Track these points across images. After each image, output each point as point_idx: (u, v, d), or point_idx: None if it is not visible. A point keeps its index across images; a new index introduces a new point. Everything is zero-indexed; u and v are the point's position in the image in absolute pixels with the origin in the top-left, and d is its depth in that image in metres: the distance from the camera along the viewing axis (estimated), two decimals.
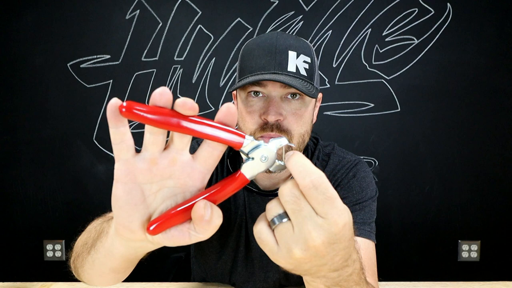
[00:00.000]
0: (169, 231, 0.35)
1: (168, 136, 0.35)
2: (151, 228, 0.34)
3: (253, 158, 0.36)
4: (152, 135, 0.33)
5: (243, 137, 0.35)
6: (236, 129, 0.35)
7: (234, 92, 0.86)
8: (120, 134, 0.33)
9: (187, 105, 0.32)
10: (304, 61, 0.75)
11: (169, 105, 0.32)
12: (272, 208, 0.36)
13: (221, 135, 0.34)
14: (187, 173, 0.36)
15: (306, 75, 0.74)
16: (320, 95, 0.85)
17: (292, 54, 0.74)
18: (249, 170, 0.36)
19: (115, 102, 0.32)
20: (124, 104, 0.31)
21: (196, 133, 0.33)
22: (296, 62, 0.74)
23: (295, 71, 0.73)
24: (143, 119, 0.31)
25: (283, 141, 0.36)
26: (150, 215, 0.36)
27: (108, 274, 0.51)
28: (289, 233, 0.35)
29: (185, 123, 0.33)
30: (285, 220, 0.35)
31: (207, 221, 0.33)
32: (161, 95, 0.32)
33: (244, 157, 0.36)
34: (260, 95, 0.76)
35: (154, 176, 0.35)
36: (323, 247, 0.34)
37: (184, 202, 0.35)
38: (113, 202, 0.35)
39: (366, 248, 0.77)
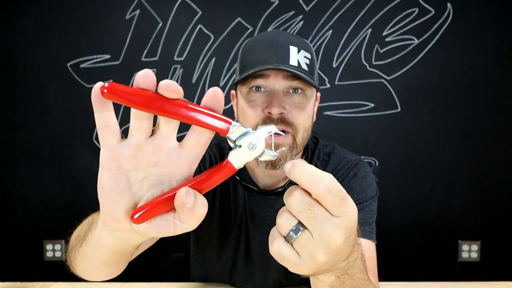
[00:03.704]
0: (154, 220, 0.34)
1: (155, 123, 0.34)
2: (135, 216, 0.33)
3: (240, 146, 0.34)
4: (137, 120, 0.33)
5: (230, 123, 0.33)
6: (223, 114, 0.34)
7: (233, 92, 0.86)
8: (105, 118, 0.32)
9: (170, 87, 0.31)
10: (305, 57, 0.75)
11: (153, 88, 0.32)
12: (285, 223, 0.35)
13: (206, 120, 0.32)
14: (174, 160, 0.35)
15: (307, 70, 0.75)
16: (318, 95, 0.86)
17: (293, 49, 0.74)
18: (236, 158, 0.35)
19: (98, 85, 0.31)
20: (106, 85, 0.30)
21: (179, 117, 0.32)
22: (297, 57, 0.74)
23: (297, 65, 0.73)
24: (125, 100, 0.31)
25: (272, 128, 0.35)
26: (135, 204, 0.35)
27: (100, 267, 0.50)
28: (310, 242, 0.34)
29: (168, 106, 0.32)
30: (302, 230, 0.34)
31: (189, 209, 0.32)
32: (145, 77, 0.31)
33: (231, 144, 0.35)
34: (262, 90, 0.76)
35: (140, 163, 0.34)
36: (343, 244, 0.34)
37: (169, 191, 0.34)
38: (98, 190, 0.35)
39: (367, 248, 0.77)
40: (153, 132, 0.34)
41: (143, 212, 0.34)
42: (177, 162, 0.35)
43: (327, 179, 0.33)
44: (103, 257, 0.46)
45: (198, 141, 0.35)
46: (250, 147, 0.34)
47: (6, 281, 0.90)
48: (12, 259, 1.78)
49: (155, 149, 0.34)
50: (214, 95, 0.33)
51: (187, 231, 0.34)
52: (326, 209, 0.33)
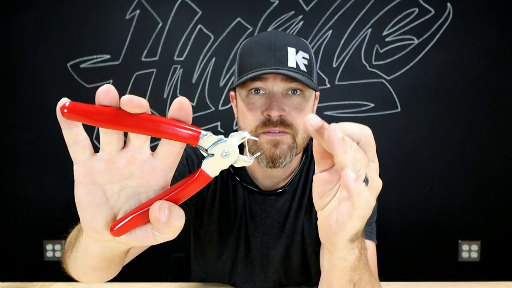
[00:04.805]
0: (134, 231, 0.34)
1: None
2: (115, 229, 0.34)
3: (213, 155, 0.34)
4: (106, 135, 0.32)
5: (199, 133, 0.33)
6: (192, 124, 0.33)
7: (232, 93, 0.86)
8: (73, 135, 0.32)
9: (132, 102, 0.30)
10: (303, 57, 0.75)
11: (116, 103, 0.31)
12: (361, 169, 0.34)
13: (173, 132, 0.32)
14: (148, 171, 0.34)
15: (306, 71, 0.75)
16: (317, 94, 0.86)
17: (291, 51, 0.74)
18: (210, 167, 0.34)
19: (61, 103, 0.30)
20: (67, 104, 0.30)
21: (144, 131, 0.32)
22: (295, 58, 0.74)
23: (295, 66, 0.73)
24: (87, 119, 0.30)
25: (245, 134, 0.35)
26: (115, 216, 0.35)
27: (91, 272, 0.51)
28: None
29: (132, 122, 0.31)
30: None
31: (164, 223, 0.32)
32: (105, 93, 0.31)
33: (204, 153, 0.35)
34: (261, 92, 0.76)
35: (114, 176, 0.34)
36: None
37: (147, 202, 0.34)
38: (76, 204, 0.35)
39: (367, 248, 0.77)
40: (125, 143, 0.34)
41: (122, 224, 0.34)
42: (152, 172, 0.35)
43: (364, 126, 0.36)
44: (92, 263, 0.46)
45: (171, 152, 0.34)
46: (223, 155, 0.34)
47: (6, 281, 0.90)
48: (12, 259, 1.78)
49: (128, 161, 0.34)
50: (180, 106, 0.32)
51: (168, 240, 0.34)
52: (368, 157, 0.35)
